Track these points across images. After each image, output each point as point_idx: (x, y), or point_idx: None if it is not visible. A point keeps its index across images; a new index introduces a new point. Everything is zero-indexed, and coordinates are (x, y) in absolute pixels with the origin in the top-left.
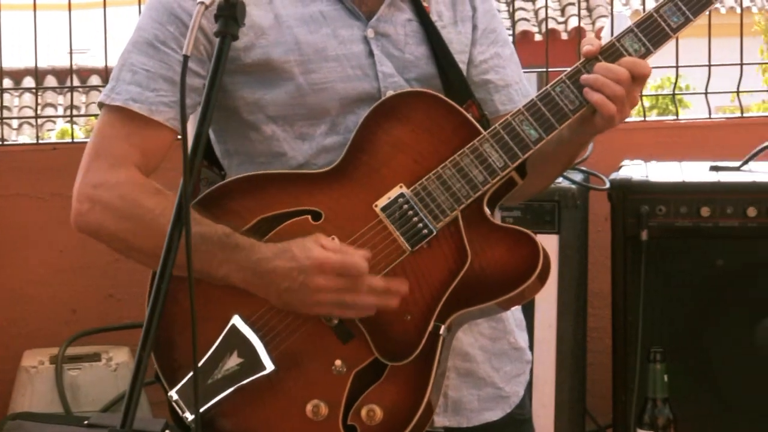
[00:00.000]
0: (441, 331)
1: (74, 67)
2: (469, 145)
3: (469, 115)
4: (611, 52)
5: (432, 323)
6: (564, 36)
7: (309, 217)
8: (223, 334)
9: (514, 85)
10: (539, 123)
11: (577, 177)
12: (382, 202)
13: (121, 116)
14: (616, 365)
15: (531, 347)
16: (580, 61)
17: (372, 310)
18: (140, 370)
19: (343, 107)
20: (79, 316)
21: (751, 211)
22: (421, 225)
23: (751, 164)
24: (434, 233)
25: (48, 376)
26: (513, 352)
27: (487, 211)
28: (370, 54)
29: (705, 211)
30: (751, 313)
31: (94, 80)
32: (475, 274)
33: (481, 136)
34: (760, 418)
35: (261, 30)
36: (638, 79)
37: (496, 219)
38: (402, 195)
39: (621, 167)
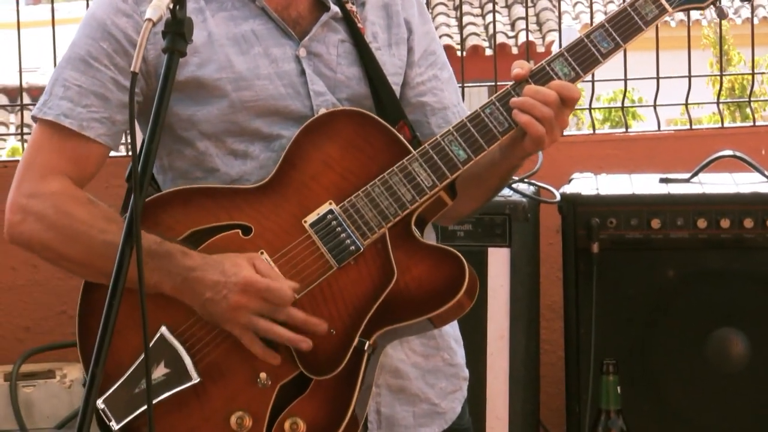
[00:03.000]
0: (365, 347)
1: (25, 85)
2: (399, 163)
3: (399, 135)
4: (541, 76)
5: (356, 339)
6: (514, 50)
7: (239, 231)
8: (150, 344)
9: (452, 108)
10: (468, 144)
11: (528, 190)
12: (311, 217)
13: (53, 130)
14: (569, 377)
15: (484, 360)
16: (511, 84)
17: (291, 344)
18: (93, 386)
19: (276, 125)
20: (33, 333)
21: (701, 223)
22: (348, 242)
23: (701, 176)
24: (361, 250)
25: (2, 393)
26: (448, 369)
27: (414, 230)
28: (302, 73)
29: (655, 223)
30: (701, 323)
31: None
32: (400, 291)
33: (411, 155)
34: (709, 428)
35: (194, 48)
36: (567, 102)
37: (427, 239)
38: (331, 211)
39: (571, 180)
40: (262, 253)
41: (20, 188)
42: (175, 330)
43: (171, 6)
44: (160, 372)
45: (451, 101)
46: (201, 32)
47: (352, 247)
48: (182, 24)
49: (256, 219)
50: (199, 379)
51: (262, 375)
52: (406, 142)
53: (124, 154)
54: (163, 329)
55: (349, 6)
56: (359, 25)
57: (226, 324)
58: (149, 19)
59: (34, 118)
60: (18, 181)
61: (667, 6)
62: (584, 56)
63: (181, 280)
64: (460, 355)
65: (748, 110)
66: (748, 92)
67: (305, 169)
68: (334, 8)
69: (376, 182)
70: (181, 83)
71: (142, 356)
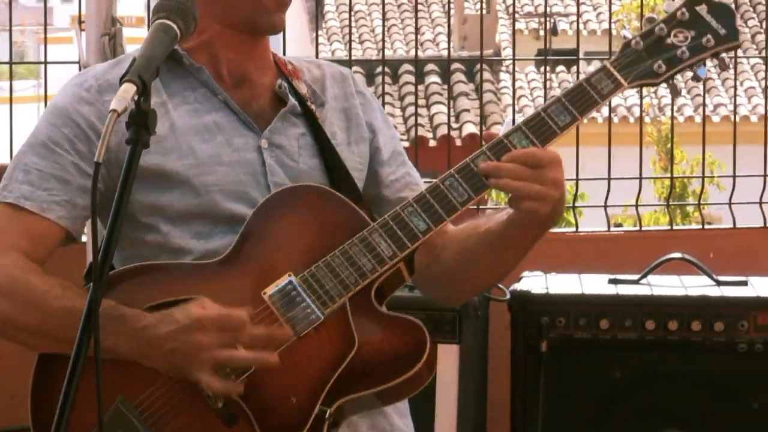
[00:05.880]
0: (326, 416)
1: None
2: (359, 234)
3: (358, 208)
4: (499, 148)
5: (317, 407)
6: (458, 142)
7: None
8: (107, 417)
9: None
10: (428, 215)
11: None
12: (271, 289)
13: (12, 211)
14: None
15: None
16: (470, 156)
17: (255, 364)
18: None
19: (238, 207)
20: None
21: (650, 324)
22: (308, 311)
23: (650, 277)
24: (321, 319)
25: None
26: None
27: (374, 300)
28: (263, 163)
29: (604, 324)
30: (647, 424)
31: None
32: (362, 359)
33: (371, 226)
34: None
35: (157, 138)
36: (539, 166)
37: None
38: (290, 282)
39: (521, 278)
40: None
41: None
42: (132, 401)
43: (135, 98)
44: None
45: None
46: (164, 123)
47: (313, 317)
48: (146, 116)
49: (214, 293)
50: None
51: None
52: (365, 215)
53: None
54: (120, 400)
55: (309, 104)
56: (318, 121)
57: (194, 372)
58: (114, 110)
59: None
60: None
61: (622, 81)
62: (542, 129)
63: (137, 340)
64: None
65: (694, 212)
66: (689, 190)
67: (265, 243)
68: (293, 101)
69: (336, 253)
70: (143, 171)
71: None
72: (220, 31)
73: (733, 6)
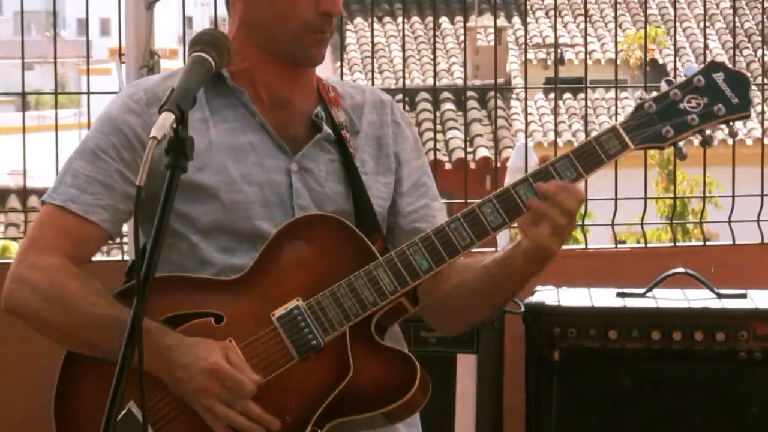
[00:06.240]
0: None
1: (14, 187)
2: (365, 268)
3: (369, 243)
4: (506, 197)
5: (310, 427)
6: (472, 165)
7: (212, 319)
8: (119, 418)
9: None
10: (431, 255)
11: None
12: (279, 311)
13: (60, 213)
14: None
15: None
16: (477, 203)
17: (238, 427)
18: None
19: (261, 228)
20: None
21: (655, 335)
22: (311, 336)
23: (655, 291)
24: (322, 345)
25: None
26: None
27: (373, 331)
28: (291, 186)
29: (612, 334)
30: (655, 428)
31: (33, 201)
32: (355, 386)
33: (377, 261)
34: None
35: (195, 153)
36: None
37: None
38: (297, 307)
39: (535, 292)
40: (230, 340)
41: (21, 260)
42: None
43: (174, 125)
44: None
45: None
46: (203, 139)
47: (314, 342)
48: (184, 143)
49: (228, 309)
50: None
51: None
52: (375, 250)
53: (120, 258)
54: (131, 404)
55: (343, 133)
56: (350, 149)
57: (191, 402)
58: (154, 137)
59: (43, 202)
60: (20, 254)
61: (629, 143)
62: (546, 177)
63: (156, 355)
64: None
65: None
66: (689, 209)
67: (279, 267)
68: (327, 130)
69: (342, 284)
70: (181, 183)
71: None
72: (261, 60)
73: (749, 77)
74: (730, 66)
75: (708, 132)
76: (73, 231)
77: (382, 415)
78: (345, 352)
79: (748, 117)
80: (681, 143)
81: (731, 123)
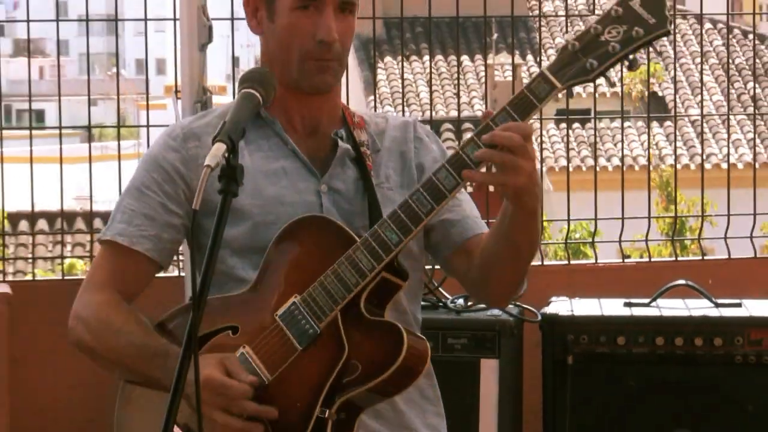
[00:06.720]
0: (326, 415)
1: (80, 211)
2: (345, 254)
3: (352, 233)
4: (457, 158)
5: (318, 408)
6: (491, 187)
7: (230, 331)
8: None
9: (471, 218)
10: (398, 227)
11: (514, 311)
12: (281, 310)
13: (110, 249)
14: None
15: None
16: (433, 170)
17: (237, 430)
18: None
19: None
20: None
21: (659, 340)
22: (308, 326)
23: (659, 301)
24: (318, 332)
25: None
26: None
27: (363, 309)
28: (321, 206)
29: (620, 340)
30: (659, 426)
31: (97, 222)
32: (352, 363)
33: (355, 245)
34: None
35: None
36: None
37: (387, 316)
38: (294, 303)
39: (550, 303)
40: (244, 347)
41: (79, 299)
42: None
43: (226, 155)
44: None
45: (470, 213)
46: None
47: (311, 331)
48: (235, 170)
49: (241, 319)
50: None
51: None
52: (355, 236)
53: (176, 274)
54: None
55: (363, 149)
56: (368, 164)
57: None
58: (208, 165)
59: (99, 241)
60: (79, 293)
61: (556, 83)
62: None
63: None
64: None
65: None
66: (687, 226)
67: (278, 271)
68: (345, 146)
69: (328, 273)
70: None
71: None
72: (286, 90)
73: None
74: None
75: (632, 57)
76: (122, 265)
77: (382, 384)
78: (339, 334)
79: (667, 33)
80: (610, 72)
81: (652, 42)
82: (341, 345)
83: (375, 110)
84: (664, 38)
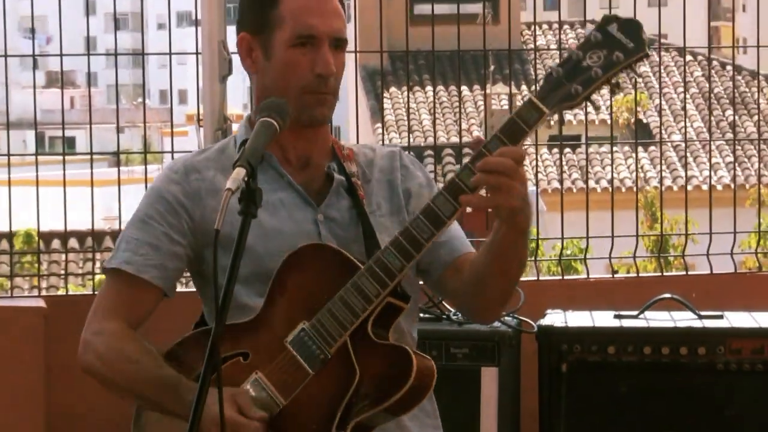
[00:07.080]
0: None
1: (108, 230)
2: (351, 280)
3: (355, 260)
4: (452, 184)
5: (333, 430)
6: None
7: (240, 357)
8: None
9: (458, 239)
10: (401, 253)
11: (512, 322)
12: (290, 336)
13: (117, 277)
14: None
15: None
16: (432, 198)
17: None
18: None
19: None
20: None
21: (647, 350)
22: (318, 351)
23: (646, 313)
24: (329, 357)
25: None
26: None
27: (371, 333)
28: (319, 234)
29: (611, 350)
30: (648, 428)
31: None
32: (364, 385)
33: (359, 271)
34: None
35: (232, 210)
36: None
37: (392, 339)
38: (303, 329)
39: (545, 315)
40: (257, 372)
41: (87, 327)
42: None
43: (246, 179)
44: None
45: (456, 234)
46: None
47: (322, 356)
48: (254, 193)
49: (251, 346)
50: None
51: None
52: (358, 263)
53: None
54: None
55: (354, 180)
56: (360, 193)
57: None
58: (229, 189)
59: (104, 269)
60: (88, 321)
61: (544, 109)
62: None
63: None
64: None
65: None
66: (670, 243)
67: (285, 298)
68: (339, 177)
69: (335, 299)
70: (222, 238)
71: None
72: None
73: (639, 20)
74: (621, 15)
75: (614, 81)
76: (129, 294)
77: (393, 405)
78: (349, 358)
79: (646, 56)
80: (594, 96)
81: (633, 65)
82: (352, 369)
83: (382, 136)
84: (649, 70)
